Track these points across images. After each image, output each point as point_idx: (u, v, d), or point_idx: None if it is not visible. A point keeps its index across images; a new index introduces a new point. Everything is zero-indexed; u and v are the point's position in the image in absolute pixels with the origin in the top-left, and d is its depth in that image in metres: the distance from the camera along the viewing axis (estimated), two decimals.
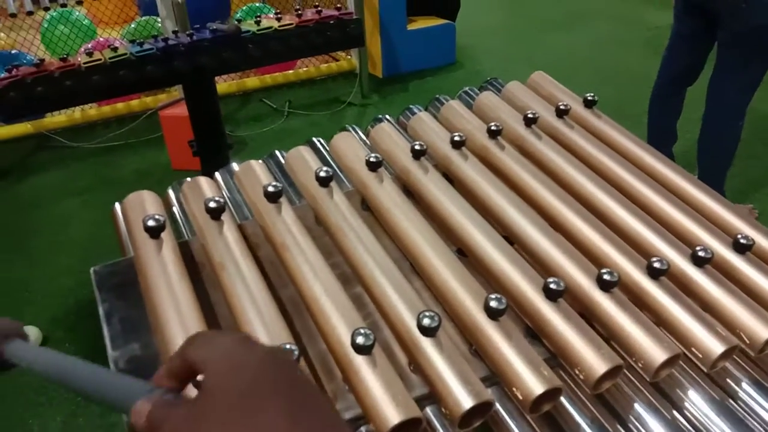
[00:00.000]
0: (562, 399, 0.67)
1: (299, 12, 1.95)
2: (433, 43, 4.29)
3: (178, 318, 0.61)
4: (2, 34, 4.19)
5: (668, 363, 0.64)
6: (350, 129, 1.18)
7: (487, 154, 0.93)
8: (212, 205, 0.74)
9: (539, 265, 0.76)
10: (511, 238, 0.80)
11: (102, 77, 1.67)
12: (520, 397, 0.60)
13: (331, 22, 1.92)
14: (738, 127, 2.39)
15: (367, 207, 0.88)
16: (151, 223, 0.68)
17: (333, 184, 0.83)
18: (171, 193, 1.04)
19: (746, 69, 2.28)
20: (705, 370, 0.67)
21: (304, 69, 4.19)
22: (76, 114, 3.62)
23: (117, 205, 0.84)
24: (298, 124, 3.67)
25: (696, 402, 0.70)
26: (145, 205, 0.75)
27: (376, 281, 0.70)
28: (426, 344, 0.62)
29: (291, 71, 4.16)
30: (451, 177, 0.91)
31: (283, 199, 0.80)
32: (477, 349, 0.67)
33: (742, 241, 0.77)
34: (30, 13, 2.77)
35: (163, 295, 0.63)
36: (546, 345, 0.68)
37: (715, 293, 0.71)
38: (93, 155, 3.36)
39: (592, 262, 0.75)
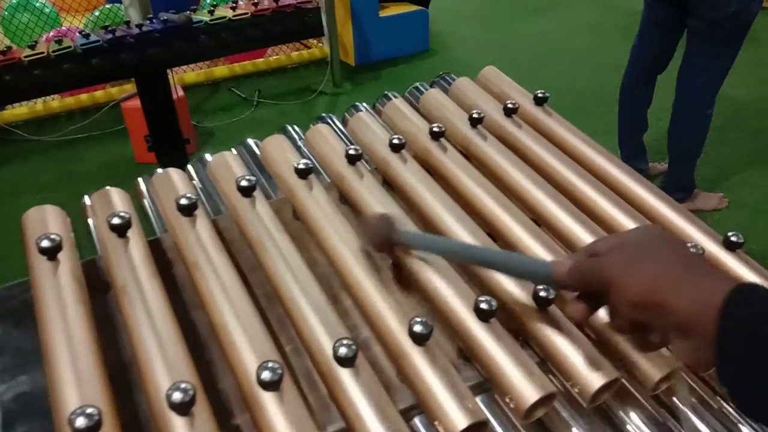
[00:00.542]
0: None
1: (256, 1, 1.88)
2: (405, 30, 4.22)
3: (68, 351, 0.55)
4: None
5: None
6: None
7: (430, 155, 0.88)
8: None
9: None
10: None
11: (44, 71, 1.59)
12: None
13: (289, 11, 1.85)
14: (707, 115, 2.37)
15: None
16: (45, 243, 0.62)
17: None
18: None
19: (716, 57, 2.25)
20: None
21: (275, 57, 4.10)
22: (38, 106, 3.51)
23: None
24: (268, 114, 3.59)
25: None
26: (46, 219, 0.68)
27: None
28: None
29: (261, 59, 4.06)
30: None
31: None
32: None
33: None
34: None
35: (54, 324, 0.57)
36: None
37: None
38: (55, 148, 3.26)
39: None
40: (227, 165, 0.82)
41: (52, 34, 3.50)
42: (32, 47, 1.64)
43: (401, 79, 3.92)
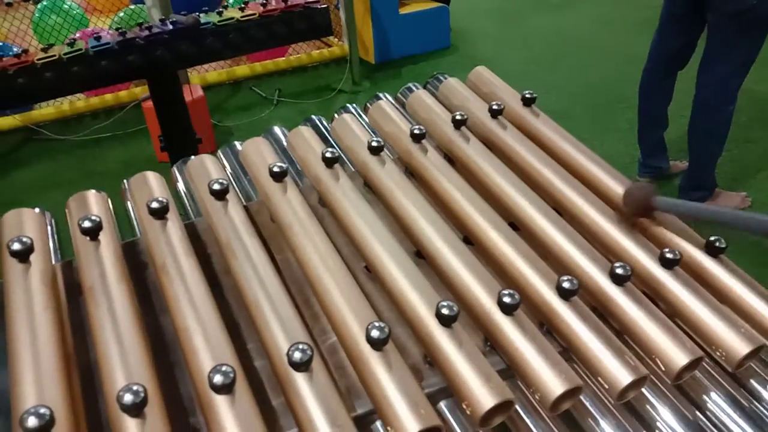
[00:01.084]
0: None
1: (264, 2, 1.89)
2: (426, 27, 4.19)
3: (31, 353, 0.57)
4: None
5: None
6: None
7: (411, 157, 0.88)
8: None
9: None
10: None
11: (56, 74, 1.63)
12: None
13: (297, 11, 1.86)
14: (729, 111, 2.30)
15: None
16: (16, 246, 0.63)
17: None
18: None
19: (737, 49, 2.18)
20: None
21: (295, 56, 4.12)
22: (64, 106, 3.60)
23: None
24: (288, 113, 3.62)
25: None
26: (22, 221, 0.70)
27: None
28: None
29: (282, 58, 4.09)
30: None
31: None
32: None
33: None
34: (26, 1, 2.73)
35: (20, 328, 0.59)
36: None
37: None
38: (79, 147, 3.34)
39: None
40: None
41: (78, 35, 3.58)
42: (45, 50, 1.68)
43: (421, 77, 3.89)
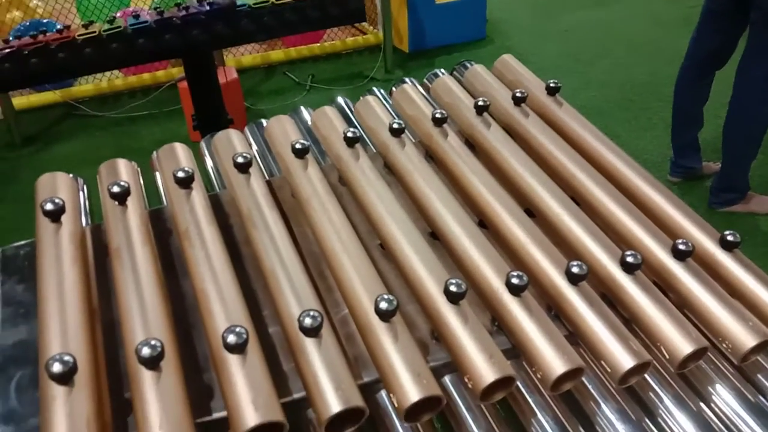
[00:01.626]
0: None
1: None
2: (462, 18, 4.16)
3: (58, 306, 0.60)
4: (40, 3, 4.27)
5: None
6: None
7: (431, 140, 0.90)
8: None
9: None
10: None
11: (95, 50, 1.68)
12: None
13: None
14: (765, 113, 2.25)
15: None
16: (49, 206, 0.67)
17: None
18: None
19: None
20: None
21: (330, 42, 4.14)
22: (102, 83, 3.69)
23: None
24: (320, 99, 3.64)
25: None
26: (56, 184, 0.74)
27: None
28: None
29: (316, 44, 4.12)
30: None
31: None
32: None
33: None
34: None
35: (49, 282, 0.62)
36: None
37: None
38: (116, 124, 3.42)
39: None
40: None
41: (119, 14, 3.66)
42: (86, 27, 1.73)
43: None
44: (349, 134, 0.84)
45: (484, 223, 0.81)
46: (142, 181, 0.84)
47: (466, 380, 0.59)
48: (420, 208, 0.81)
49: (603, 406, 0.66)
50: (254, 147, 1.07)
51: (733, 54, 2.35)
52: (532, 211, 0.81)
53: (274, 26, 1.83)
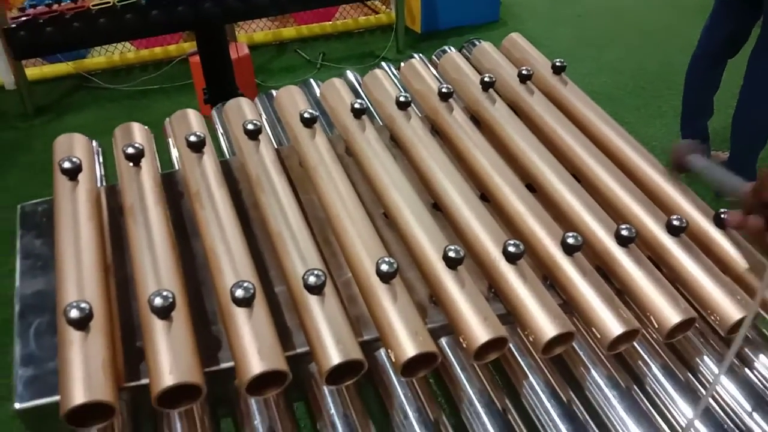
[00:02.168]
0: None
1: None
2: None
3: (75, 258, 0.63)
4: None
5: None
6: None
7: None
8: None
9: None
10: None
11: (109, 20, 1.70)
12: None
13: None
14: None
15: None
16: (66, 165, 0.70)
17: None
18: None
19: None
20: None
21: (342, 21, 4.14)
22: (115, 57, 3.71)
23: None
24: (330, 77, 3.64)
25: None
26: (72, 144, 0.77)
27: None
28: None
29: (328, 23, 4.11)
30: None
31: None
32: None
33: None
34: None
35: (66, 237, 0.65)
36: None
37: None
38: (127, 97, 3.44)
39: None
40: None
41: None
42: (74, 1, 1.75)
43: None
44: (357, 105, 0.86)
45: (486, 196, 0.83)
46: (154, 147, 0.87)
47: (461, 340, 0.62)
48: (423, 180, 0.83)
49: (593, 371, 0.69)
50: (263, 116, 1.09)
51: (745, 44, 2.34)
52: (533, 186, 0.83)
53: (287, 1, 1.84)
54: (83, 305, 0.57)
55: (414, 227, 0.71)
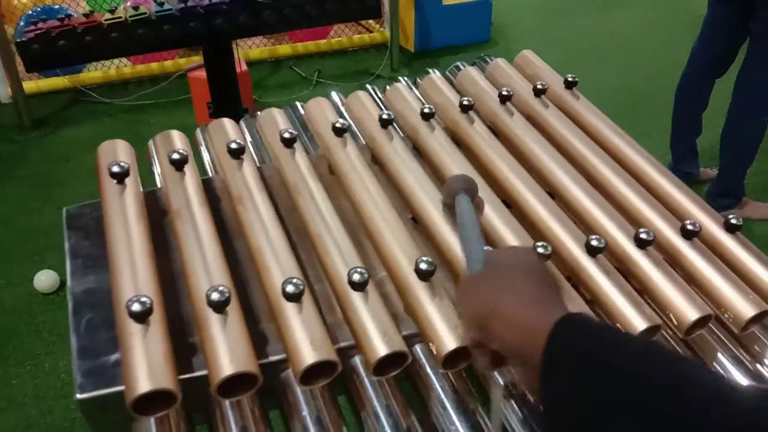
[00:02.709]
0: None
1: None
2: (468, 20, 4.24)
3: (128, 258, 0.66)
4: None
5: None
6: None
7: (457, 128, 0.96)
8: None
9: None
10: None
11: (121, 35, 1.73)
12: None
13: None
14: (763, 122, 2.34)
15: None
16: (115, 168, 0.73)
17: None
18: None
19: None
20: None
21: (336, 39, 4.20)
22: (111, 71, 3.73)
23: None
24: (325, 94, 3.70)
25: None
26: (116, 150, 0.80)
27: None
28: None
29: (323, 40, 4.18)
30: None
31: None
32: None
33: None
34: None
35: (119, 237, 0.68)
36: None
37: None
38: (124, 112, 3.46)
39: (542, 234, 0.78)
40: (273, 119, 0.93)
41: (129, 3, 3.71)
42: (112, 11, 1.79)
43: None
44: (384, 116, 0.90)
45: (508, 202, 0.87)
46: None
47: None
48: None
49: None
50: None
51: (733, 63, 2.43)
52: (551, 193, 0.88)
53: (294, 18, 1.89)
54: (144, 299, 0.59)
55: (444, 230, 0.75)
